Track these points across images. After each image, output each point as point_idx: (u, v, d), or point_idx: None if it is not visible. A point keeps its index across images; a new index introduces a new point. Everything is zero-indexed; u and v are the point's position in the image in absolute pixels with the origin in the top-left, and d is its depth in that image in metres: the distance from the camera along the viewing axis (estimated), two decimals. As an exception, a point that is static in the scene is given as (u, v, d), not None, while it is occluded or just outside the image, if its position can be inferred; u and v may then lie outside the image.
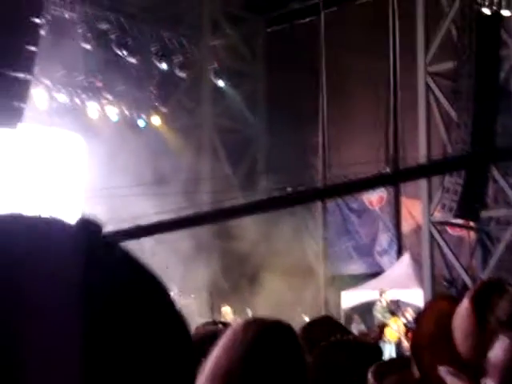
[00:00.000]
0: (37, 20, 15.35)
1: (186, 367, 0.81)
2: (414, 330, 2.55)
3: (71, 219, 0.78)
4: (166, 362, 0.78)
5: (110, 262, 0.78)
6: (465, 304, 2.01)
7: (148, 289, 0.81)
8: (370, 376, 2.71)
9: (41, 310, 0.69)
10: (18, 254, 0.72)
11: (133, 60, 21.33)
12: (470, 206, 16.58)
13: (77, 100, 21.18)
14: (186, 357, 0.81)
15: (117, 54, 21.01)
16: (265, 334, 2.00)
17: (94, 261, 0.75)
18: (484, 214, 17.68)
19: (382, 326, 16.98)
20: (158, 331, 0.78)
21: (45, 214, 0.78)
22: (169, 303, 0.83)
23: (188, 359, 0.81)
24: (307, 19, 23.69)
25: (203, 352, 2.01)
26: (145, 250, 16.40)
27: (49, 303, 0.70)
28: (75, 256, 0.73)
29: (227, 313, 16.47)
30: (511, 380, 1.30)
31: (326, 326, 2.98)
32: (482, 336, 1.46)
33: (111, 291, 0.76)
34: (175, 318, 0.82)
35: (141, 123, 22.66)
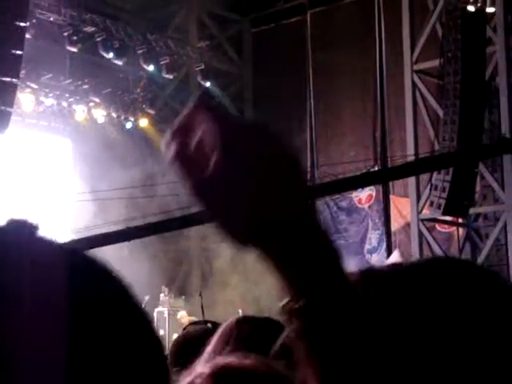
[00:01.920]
0: (22, 23, 15.29)
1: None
2: None
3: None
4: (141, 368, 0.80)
5: (87, 271, 0.79)
6: None
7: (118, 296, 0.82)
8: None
9: (28, 316, 0.69)
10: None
11: (119, 62, 21.26)
12: (458, 202, 16.63)
13: (64, 103, 21.12)
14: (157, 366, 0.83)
15: (103, 57, 20.95)
16: (257, 330, 2.10)
17: (75, 270, 0.75)
18: (472, 210, 17.74)
19: None
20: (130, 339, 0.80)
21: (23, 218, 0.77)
22: (136, 307, 0.84)
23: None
24: (293, 19, 23.70)
25: (196, 350, 2.08)
26: (126, 254, 16.43)
27: (36, 310, 0.69)
28: (59, 264, 0.73)
29: (183, 316, 16.29)
30: None
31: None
32: None
33: (93, 299, 0.77)
34: (143, 323, 0.84)
35: (128, 125, 22.61)
